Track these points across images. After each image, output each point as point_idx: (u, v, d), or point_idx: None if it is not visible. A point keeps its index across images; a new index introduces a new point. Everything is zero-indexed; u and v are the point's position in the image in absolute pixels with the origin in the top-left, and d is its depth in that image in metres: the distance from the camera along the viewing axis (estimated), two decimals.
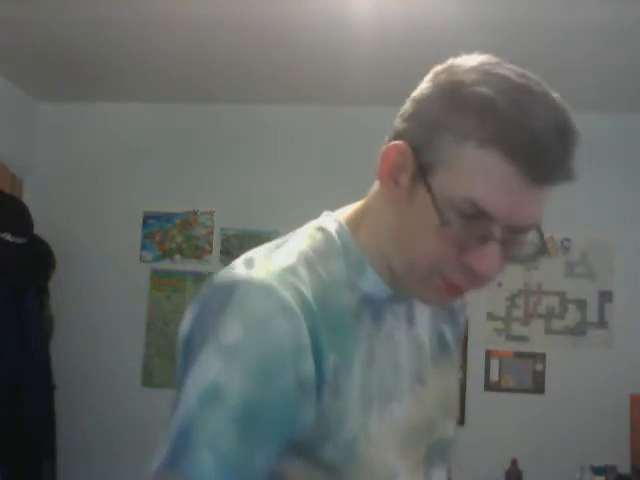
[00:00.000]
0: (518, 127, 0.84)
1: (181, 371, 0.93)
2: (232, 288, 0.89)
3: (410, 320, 1.05)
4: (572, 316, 4.15)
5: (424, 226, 0.90)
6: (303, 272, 0.93)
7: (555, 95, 0.89)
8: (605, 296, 4.14)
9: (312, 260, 0.95)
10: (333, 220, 1.02)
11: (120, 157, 4.56)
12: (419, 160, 0.90)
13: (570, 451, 3.94)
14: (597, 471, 3.79)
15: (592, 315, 4.14)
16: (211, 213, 4.48)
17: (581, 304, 4.15)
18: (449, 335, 1.16)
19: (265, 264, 0.93)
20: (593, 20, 3.16)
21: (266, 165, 4.43)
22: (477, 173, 0.86)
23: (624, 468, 3.83)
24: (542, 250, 0.95)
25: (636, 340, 4.04)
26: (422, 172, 0.90)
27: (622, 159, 4.15)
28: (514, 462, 3.92)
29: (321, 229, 1.01)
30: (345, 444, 0.92)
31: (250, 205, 4.42)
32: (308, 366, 0.88)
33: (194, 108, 4.50)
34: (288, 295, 0.88)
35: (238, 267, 0.93)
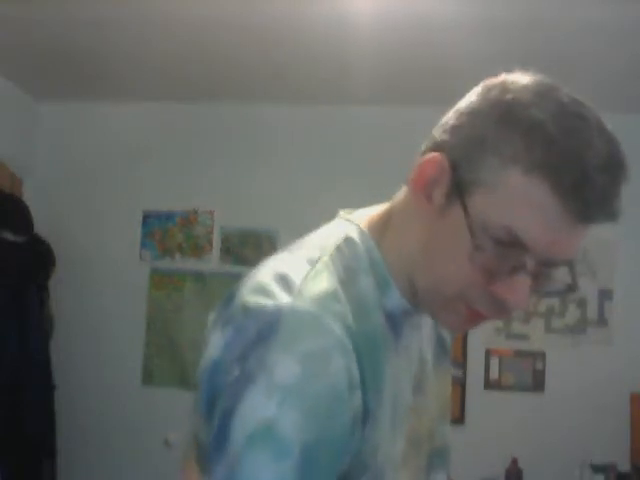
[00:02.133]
0: (568, 155, 0.79)
1: (207, 400, 0.86)
2: (277, 318, 0.82)
3: (419, 327, 1.01)
4: (572, 314, 4.16)
5: (455, 248, 0.85)
6: (343, 297, 0.87)
7: (609, 126, 0.85)
8: (605, 294, 4.14)
9: (346, 282, 0.89)
10: (356, 228, 0.96)
11: (120, 157, 4.56)
12: (457, 177, 0.85)
13: (570, 450, 3.94)
14: (597, 469, 3.79)
15: (592, 313, 4.14)
16: (211, 212, 4.48)
17: (581, 302, 4.15)
18: (446, 335, 1.13)
19: (307, 287, 0.85)
20: (593, 20, 3.16)
21: (266, 165, 4.43)
22: (519, 201, 0.81)
23: (624, 466, 3.83)
24: (572, 287, 0.90)
25: (636, 338, 4.04)
26: (459, 190, 0.85)
27: None
28: (514, 461, 3.92)
29: (348, 241, 0.94)
30: (377, 472, 0.89)
31: (250, 204, 4.42)
32: (358, 401, 0.84)
33: (194, 108, 4.50)
34: (338, 328, 0.83)
35: (276, 290, 0.85)
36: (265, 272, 0.89)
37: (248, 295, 0.86)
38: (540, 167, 0.80)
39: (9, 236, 3.86)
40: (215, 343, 0.87)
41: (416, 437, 1.00)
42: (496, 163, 0.83)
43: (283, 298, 0.84)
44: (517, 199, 0.82)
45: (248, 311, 0.85)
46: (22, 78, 4.32)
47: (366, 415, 0.86)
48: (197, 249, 4.48)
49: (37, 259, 4.04)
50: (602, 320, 4.13)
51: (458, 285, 0.87)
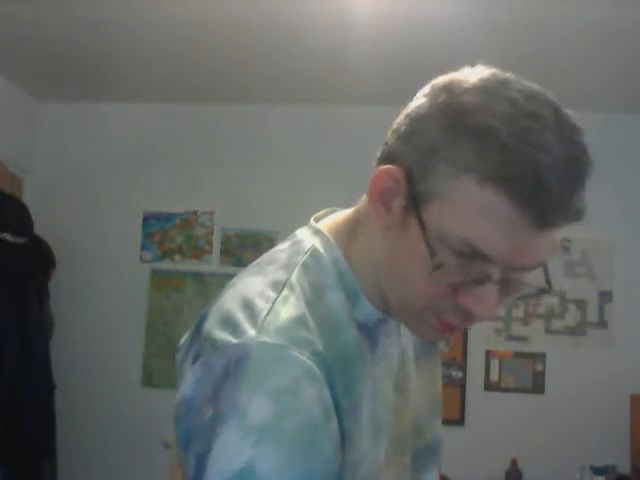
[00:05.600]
0: (522, 162, 0.75)
1: (183, 439, 0.84)
2: (243, 355, 0.79)
3: (398, 329, 0.99)
4: (572, 316, 4.15)
5: (417, 262, 0.82)
6: (310, 321, 0.85)
7: (568, 116, 0.80)
8: (605, 296, 4.14)
9: (313, 302, 0.87)
10: (322, 239, 0.94)
11: (120, 157, 4.56)
12: (413, 189, 0.82)
13: (570, 451, 3.94)
14: (597, 471, 3.79)
15: (592, 315, 4.14)
16: (211, 213, 4.48)
17: (581, 304, 4.15)
18: None
19: (272, 318, 0.83)
20: (593, 20, 3.16)
21: (266, 165, 4.43)
22: (475, 211, 0.78)
23: (624, 468, 3.82)
24: (546, 290, 0.86)
25: (636, 340, 4.04)
26: (415, 203, 0.82)
27: (622, 159, 4.15)
28: (514, 462, 3.92)
29: (314, 255, 0.92)
30: None
31: (250, 205, 4.42)
32: (335, 426, 0.82)
33: (194, 108, 4.50)
34: (306, 356, 0.81)
35: (241, 321, 0.83)
36: (231, 298, 0.87)
37: (215, 327, 0.84)
38: (494, 177, 0.76)
39: (9, 237, 3.85)
40: (186, 380, 0.85)
41: (399, 436, 0.99)
42: (449, 173, 0.79)
43: (248, 331, 0.81)
44: (473, 210, 0.78)
45: (215, 347, 0.82)
46: (22, 78, 4.32)
47: (343, 438, 0.84)
48: (197, 250, 4.49)
49: (37, 260, 4.04)
50: (602, 322, 4.13)
51: (424, 299, 0.84)
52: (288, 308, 0.84)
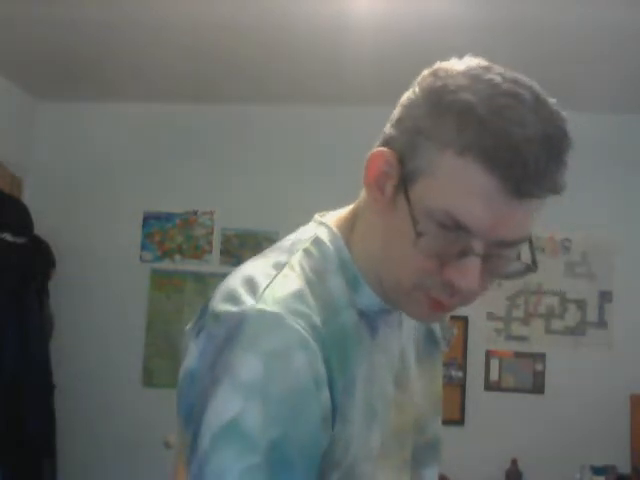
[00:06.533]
0: (498, 133, 0.79)
1: (186, 409, 0.89)
2: (241, 321, 0.84)
3: (400, 325, 1.02)
4: (572, 316, 4.16)
5: (404, 237, 0.86)
6: (309, 297, 0.89)
7: (550, 102, 0.83)
8: (605, 296, 4.14)
9: (314, 282, 0.91)
10: (326, 229, 0.98)
11: (120, 157, 4.56)
12: (403, 169, 0.87)
13: (570, 451, 3.94)
14: (597, 471, 3.79)
15: (592, 315, 4.14)
16: (211, 213, 4.48)
17: (581, 304, 4.15)
18: (438, 330, 1.14)
19: (271, 291, 0.87)
20: (594, 21, 3.16)
21: (266, 166, 4.43)
22: (455, 183, 0.82)
23: (624, 468, 3.83)
24: (530, 267, 0.89)
25: (636, 340, 4.04)
26: (404, 181, 0.86)
27: (622, 159, 4.15)
28: (514, 462, 3.92)
29: (317, 242, 0.96)
30: (349, 467, 0.90)
31: (250, 205, 4.42)
32: (326, 397, 0.85)
33: (194, 109, 4.50)
34: (301, 326, 0.84)
35: (242, 295, 0.87)
36: (234, 277, 0.92)
37: (218, 303, 0.89)
38: (472, 148, 0.80)
39: (9, 237, 3.86)
40: (191, 353, 0.90)
41: (399, 431, 1.01)
42: (432, 148, 0.84)
43: (247, 301, 0.86)
44: (453, 182, 0.82)
45: (217, 318, 0.87)
46: (22, 78, 4.32)
47: (335, 412, 0.87)
48: (197, 250, 4.49)
49: (37, 260, 4.04)
50: (602, 322, 4.13)
51: (413, 275, 0.87)
52: (288, 283, 0.89)
